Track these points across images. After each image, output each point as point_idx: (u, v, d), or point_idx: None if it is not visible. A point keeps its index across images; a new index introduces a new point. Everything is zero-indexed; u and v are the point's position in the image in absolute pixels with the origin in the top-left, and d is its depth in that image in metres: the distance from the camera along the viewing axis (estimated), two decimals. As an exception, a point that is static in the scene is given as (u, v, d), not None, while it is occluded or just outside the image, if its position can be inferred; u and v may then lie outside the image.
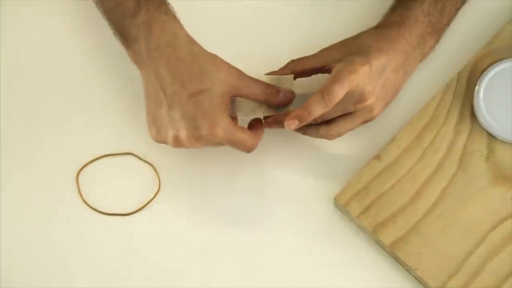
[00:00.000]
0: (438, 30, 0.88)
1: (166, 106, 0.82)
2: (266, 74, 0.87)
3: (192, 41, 0.83)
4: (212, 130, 0.80)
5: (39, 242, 0.89)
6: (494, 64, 0.89)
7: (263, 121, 0.87)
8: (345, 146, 0.90)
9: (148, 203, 0.89)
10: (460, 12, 0.93)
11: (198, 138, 0.81)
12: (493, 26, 0.92)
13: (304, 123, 0.81)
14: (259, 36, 0.95)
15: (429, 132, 0.88)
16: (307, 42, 0.91)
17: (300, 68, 0.87)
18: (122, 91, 0.94)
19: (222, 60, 0.83)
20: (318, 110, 0.81)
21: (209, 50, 0.83)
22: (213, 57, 0.83)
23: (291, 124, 0.81)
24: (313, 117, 0.81)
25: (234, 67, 0.83)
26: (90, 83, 0.95)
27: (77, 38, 0.97)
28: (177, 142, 0.83)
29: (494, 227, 0.84)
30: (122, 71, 0.95)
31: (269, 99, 0.84)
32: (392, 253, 0.85)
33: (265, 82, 0.85)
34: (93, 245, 0.88)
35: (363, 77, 0.81)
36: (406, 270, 0.85)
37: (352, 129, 0.86)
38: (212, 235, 0.89)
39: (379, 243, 0.86)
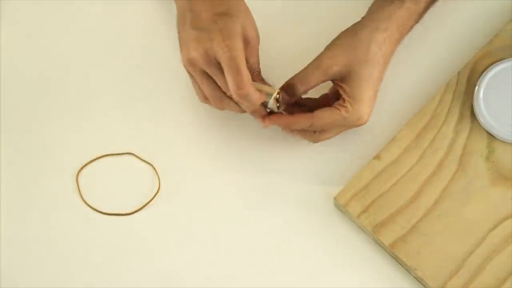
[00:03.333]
0: (416, 18, 0.88)
1: (189, 23, 0.83)
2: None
3: None
4: (224, 43, 0.80)
5: (38, 241, 0.89)
6: (494, 64, 0.89)
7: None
8: (345, 146, 0.90)
9: (148, 203, 0.89)
10: (460, 12, 0.93)
11: (207, 50, 0.80)
12: (493, 26, 0.92)
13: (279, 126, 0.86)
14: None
15: (429, 132, 0.88)
16: (309, 41, 0.91)
17: (305, 89, 0.86)
18: (122, 91, 0.94)
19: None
20: (298, 129, 0.86)
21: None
22: (243, 3, 0.85)
23: (267, 123, 0.85)
24: (290, 131, 0.86)
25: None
26: (90, 83, 0.95)
27: (78, 37, 0.97)
28: (189, 61, 0.82)
29: (494, 227, 0.84)
30: (123, 71, 0.95)
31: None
32: (392, 253, 0.85)
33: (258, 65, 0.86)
34: (93, 245, 0.88)
35: (368, 108, 0.85)
36: (406, 270, 0.85)
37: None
38: (212, 235, 0.88)
39: (379, 243, 0.86)
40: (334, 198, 0.87)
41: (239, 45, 0.80)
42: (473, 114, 0.88)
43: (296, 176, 0.90)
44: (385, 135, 0.90)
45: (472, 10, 0.94)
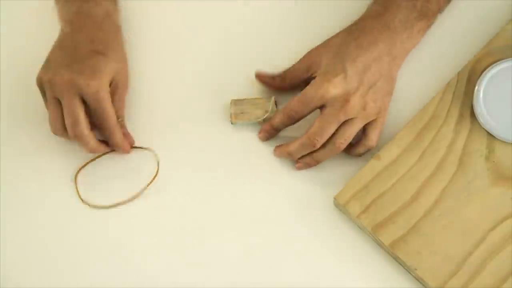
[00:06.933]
0: (425, 14, 0.88)
1: (66, 50, 0.87)
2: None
3: (118, 22, 0.92)
4: (90, 80, 0.84)
5: (38, 240, 0.89)
6: (494, 64, 0.89)
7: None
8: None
9: (146, 187, 0.90)
10: (460, 12, 0.93)
11: (72, 80, 0.84)
12: (493, 26, 0.93)
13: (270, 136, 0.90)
14: (254, 36, 0.95)
15: (429, 132, 0.88)
16: (301, 42, 0.91)
17: (290, 80, 0.89)
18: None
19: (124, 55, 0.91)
20: (281, 125, 0.88)
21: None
22: (122, 50, 0.91)
23: (262, 137, 0.90)
24: (278, 130, 0.89)
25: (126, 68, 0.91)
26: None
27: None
28: (49, 82, 0.86)
29: (494, 227, 0.84)
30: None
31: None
32: (392, 253, 0.85)
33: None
34: (92, 244, 0.88)
35: (338, 85, 0.83)
36: (406, 270, 0.85)
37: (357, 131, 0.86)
38: (211, 234, 0.88)
39: (379, 243, 0.86)
40: (334, 198, 0.87)
41: (105, 86, 0.85)
42: (473, 114, 0.88)
43: (296, 176, 0.90)
44: (385, 135, 0.90)
45: (472, 10, 0.94)
